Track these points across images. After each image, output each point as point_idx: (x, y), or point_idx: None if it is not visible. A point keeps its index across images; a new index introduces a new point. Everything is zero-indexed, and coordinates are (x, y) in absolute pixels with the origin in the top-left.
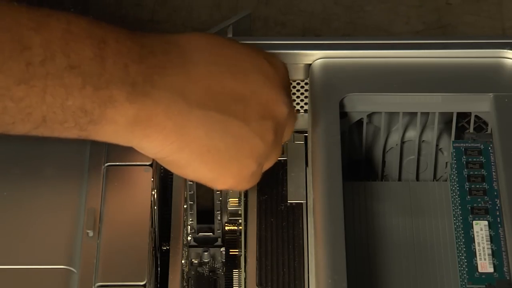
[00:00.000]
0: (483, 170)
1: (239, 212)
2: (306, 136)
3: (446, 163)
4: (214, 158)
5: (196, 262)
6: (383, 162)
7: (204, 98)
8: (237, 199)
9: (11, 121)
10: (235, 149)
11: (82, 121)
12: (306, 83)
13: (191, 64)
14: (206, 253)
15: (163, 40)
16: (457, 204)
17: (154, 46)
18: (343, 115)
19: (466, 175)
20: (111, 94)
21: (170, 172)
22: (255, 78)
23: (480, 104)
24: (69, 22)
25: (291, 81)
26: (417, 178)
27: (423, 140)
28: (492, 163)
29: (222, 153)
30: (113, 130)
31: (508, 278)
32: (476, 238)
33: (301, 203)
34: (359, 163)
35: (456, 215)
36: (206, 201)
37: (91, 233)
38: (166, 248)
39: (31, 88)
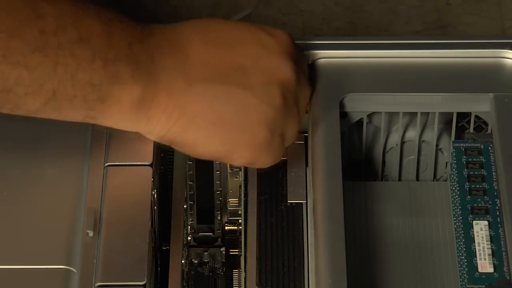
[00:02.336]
0: (483, 170)
1: (239, 212)
2: (306, 136)
3: (446, 163)
4: (221, 130)
5: (196, 262)
6: (383, 162)
7: (203, 73)
8: (237, 199)
9: (23, 93)
10: (241, 118)
11: (90, 98)
12: None
13: (188, 43)
14: (206, 253)
15: (161, 25)
16: (457, 204)
17: (152, 29)
18: (343, 115)
19: (466, 175)
20: (118, 70)
21: (170, 172)
22: (254, 48)
23: (480, 104)
24: (77, 1)
25: None
26: (417, 178)
27: (423, 140)
28: (492, 163)
29: (229, 124)
30: (119, 111)
31: (508, 278)
32: (476, 238)
33: (301, 203)
34: (359, 163)
35: (456, 215)
36: (206, 201)
37: (91, 233)
38: (166, 248)
39: (44, 57)
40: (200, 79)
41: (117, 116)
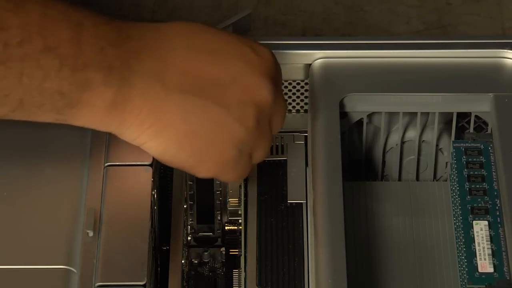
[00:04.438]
0: (483, 170)
1: (239, 212)
2: (306, 136)
3: (446, 163)
4: (191, 143)
5: (196, 262)
6: (383, 162)
7: (181, 82)
8: (237, 199)
9: None
10: (213, 134)
11: (59, 104)
12: (306, 83)
13: (169, 49)
14: (206, 253)
15: (142, 26)
16: (457, 204)
17: (131, 31)
18: (343, 115)
19: (466, 175)
20: (88, 77)
21: (170, 172)
22: (236, 64)
23: (480, 104)
24: (46, 5)
25: (291, 81)
26: (417, 178)
27: (423, 140)
28: (492, 163)
29: (200, 138)
30: (90, 113)
31: (508, 278)
32: (476, 238)
33: (301, 203)
34: (359, 163)
35: (456, 215)
36: (206, 201)
37: (91, 233)
38: (166, 248)
39: (8, 69)
40: (178, 89)
41: (88, 118)
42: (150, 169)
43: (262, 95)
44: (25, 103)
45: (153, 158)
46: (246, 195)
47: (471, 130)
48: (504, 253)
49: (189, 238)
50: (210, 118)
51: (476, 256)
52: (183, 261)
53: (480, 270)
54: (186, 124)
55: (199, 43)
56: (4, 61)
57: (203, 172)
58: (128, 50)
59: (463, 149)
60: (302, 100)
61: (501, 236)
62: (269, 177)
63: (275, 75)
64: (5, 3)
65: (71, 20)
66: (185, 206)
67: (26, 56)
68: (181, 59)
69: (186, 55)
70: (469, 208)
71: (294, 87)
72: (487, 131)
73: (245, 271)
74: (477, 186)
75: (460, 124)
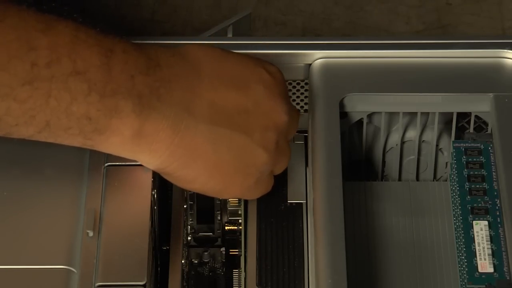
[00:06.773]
0: (483, 170)
1: (239, 212)
2: (306, 136)
3: (446, 163)
4: (220, 171)
5: (196, 262)
6: (383, 162)
7: (209, 113)
8: (237, 199)
9: (14, 123)
10: (239, 161)
11: (87, 129)
12: (306, 83)
13: (194, 77)
14: (206, 253)
15: (167, 53)
16: (457, 204)
17: (160, 59)
18: (343, 115)
19: (466, 175)
20: (117, 104)
21: None
22: (256, 89)
23: (480, 104)
24: (78, 29)
25: (291, 81)
26: (417, 178)
27: (423, 140)
28: (492, 163)
29: (228, 166)
30: (119, 142)
31: (508, 278)
32: (476, 238)
33: (301, 203)
34: (359, 163)
35: (456, 215)
36: (206, 201)
37: (91, 233)
38: (166, 248)
39: (35, 89)
40: (206, 119)
41: (117, 146)
42: (150, 169)
43: (280, 118)
44: (51, 125)
45: None
46: None
47: (471, 130)
48: (504, 253)
49: (189, 238)
50: (236, 146)
51: (476, 256)
52: (183, 261)
53: (480, 270)
54: (215, 154)
55: (221, 70)
56: (30, 81)
57: (227, 195)
58: (158, 79)
59: (463, 149)
60: (302, 100)
61: (501, 236)
62: None
63: (286, 92)
64: (36, 23)
65: (101, 45)
66: (185, 206)
67: (54, 77)
68: (206, 89)
69: (211, 84)
70: (469, 208)
71: (294, 87)
72: (487, 131)
73: (245, 271)
74: (477, 186)
75: (460, 124)
